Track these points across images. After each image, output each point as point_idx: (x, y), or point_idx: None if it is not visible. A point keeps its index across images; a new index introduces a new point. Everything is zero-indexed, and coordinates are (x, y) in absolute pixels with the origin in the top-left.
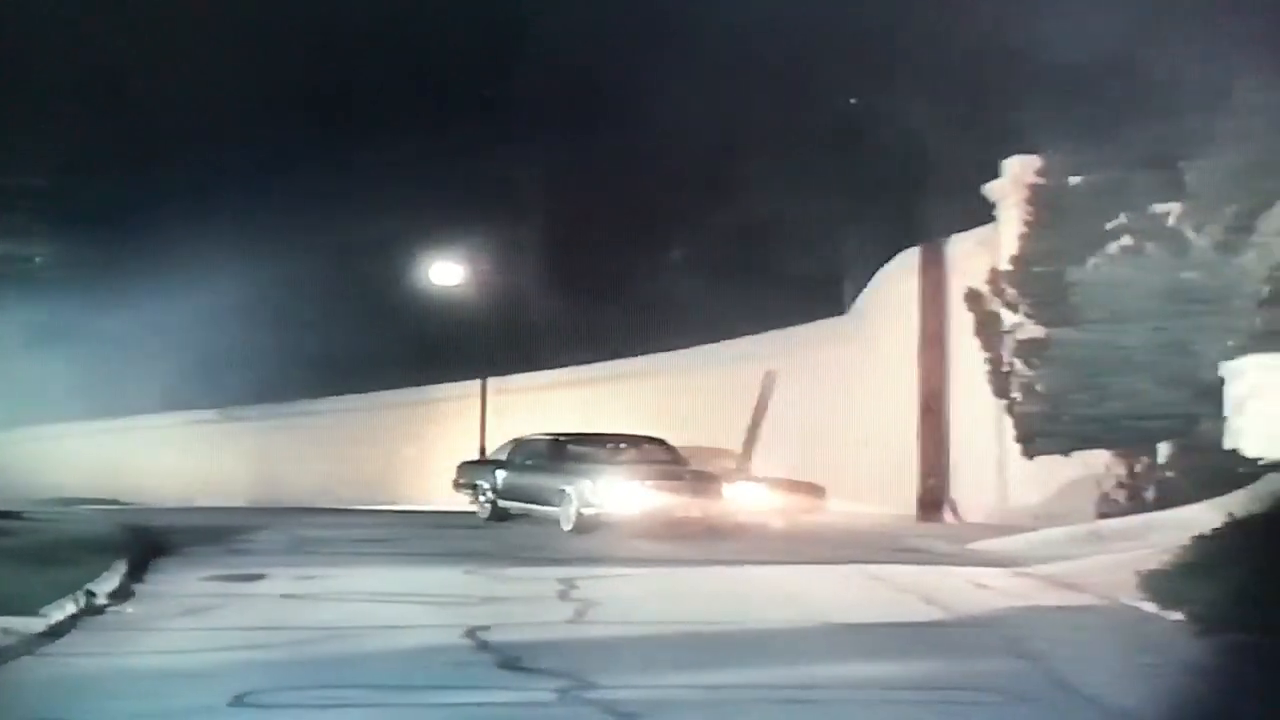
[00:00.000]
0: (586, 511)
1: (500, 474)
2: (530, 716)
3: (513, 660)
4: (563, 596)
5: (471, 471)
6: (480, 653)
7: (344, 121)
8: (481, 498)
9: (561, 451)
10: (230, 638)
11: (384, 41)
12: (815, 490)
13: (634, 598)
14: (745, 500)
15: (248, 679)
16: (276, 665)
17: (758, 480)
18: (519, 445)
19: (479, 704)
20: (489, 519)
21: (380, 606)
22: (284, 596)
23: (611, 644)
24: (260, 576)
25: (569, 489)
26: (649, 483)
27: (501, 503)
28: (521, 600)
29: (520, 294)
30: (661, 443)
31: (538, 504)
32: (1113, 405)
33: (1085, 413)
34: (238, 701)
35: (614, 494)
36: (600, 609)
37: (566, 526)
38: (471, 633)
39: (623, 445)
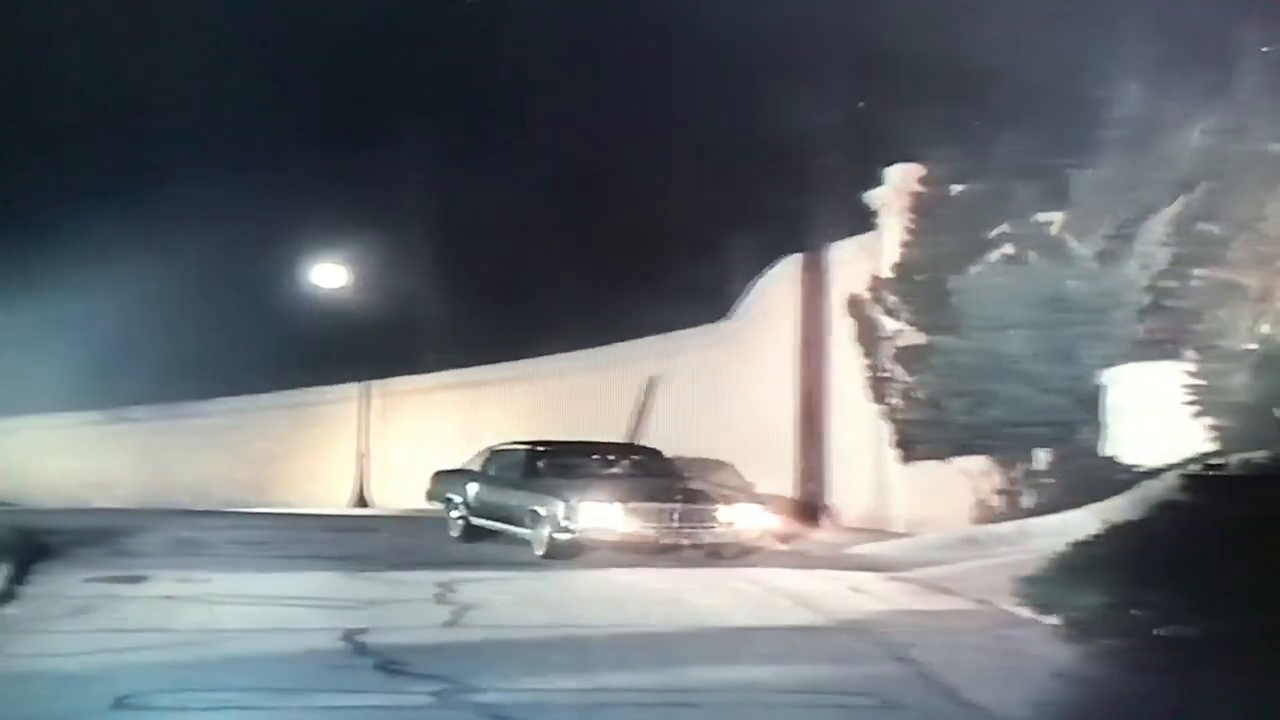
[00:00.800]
0: (560, 536)
1: (472, 487)
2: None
3: (390, 663)
4: (440, 600)
5: (444, 483)
6: (358, 656)
7: (227, 123)
8: (454, 513)
9: (537, 464)
10: (113, 640)
11: (268, 42)
12: (823, 511)
13: (511, 601)
14: (746, 523)
15: (129, 681)
16: (158, 667)
17: (760, 499)
18: (494, 455)
19: (356, 707)
20: (461, 538)
21: (260, 609)
22: (166, 598)
23: (489, 647)
24: (144, 578)
25: (542, 510)
26: (633, 504)
27: (474, 520)
28: (400, 603)
29: (404, 297)
30: (655, 454)
31: (509, 524)
32: (992, 412)
33: (964, 419)
34: (119, 704)
35: (593, 516)
36: (477, 612)
37: (539, 551)
38: (349, 635)
39: (609, 457)
